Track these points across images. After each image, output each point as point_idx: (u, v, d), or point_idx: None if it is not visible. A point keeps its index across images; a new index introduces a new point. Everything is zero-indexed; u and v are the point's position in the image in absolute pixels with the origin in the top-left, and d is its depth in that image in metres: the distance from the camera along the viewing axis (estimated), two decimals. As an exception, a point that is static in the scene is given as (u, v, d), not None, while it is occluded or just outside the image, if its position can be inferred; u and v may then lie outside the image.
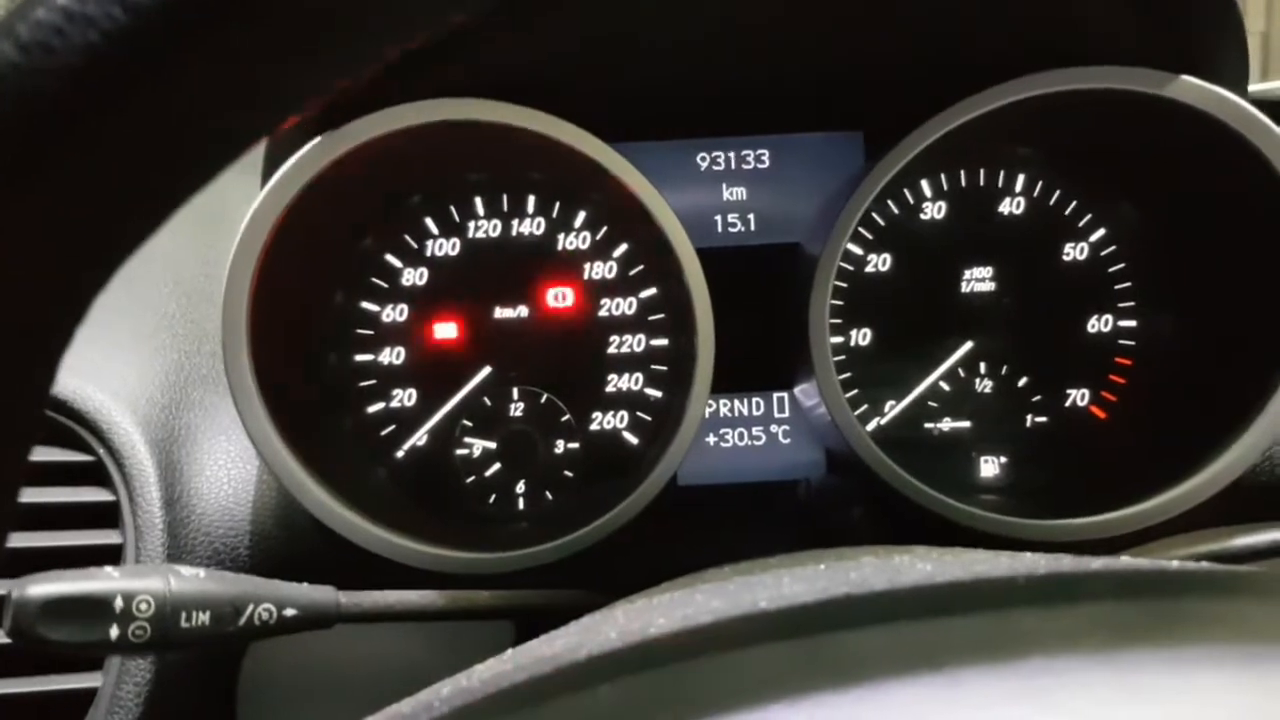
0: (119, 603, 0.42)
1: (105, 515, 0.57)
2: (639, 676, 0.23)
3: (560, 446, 0.70)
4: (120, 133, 0.20)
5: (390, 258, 0.68)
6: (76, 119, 0.19)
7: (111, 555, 0.56)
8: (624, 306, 0.70)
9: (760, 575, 0.32)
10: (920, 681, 0.20)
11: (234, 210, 0.73)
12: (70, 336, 0.23)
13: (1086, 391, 0.70)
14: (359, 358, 0.68)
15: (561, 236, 0.69)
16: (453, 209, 0.68)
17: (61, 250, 0.21)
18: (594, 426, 0.70)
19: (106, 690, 0.53)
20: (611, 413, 0.70)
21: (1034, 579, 0.28)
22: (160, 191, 0.22)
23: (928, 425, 0.71)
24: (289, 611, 0.46)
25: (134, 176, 0.21)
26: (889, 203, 0.70)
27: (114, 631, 0.42)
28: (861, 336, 0.70)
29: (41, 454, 0.57)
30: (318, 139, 0.54)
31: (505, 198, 0.69)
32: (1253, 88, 1.04)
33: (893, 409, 0.70)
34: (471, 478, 0.69)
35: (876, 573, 0.30)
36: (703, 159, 0.71)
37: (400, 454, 0.68)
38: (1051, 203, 0.69)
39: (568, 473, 0.70)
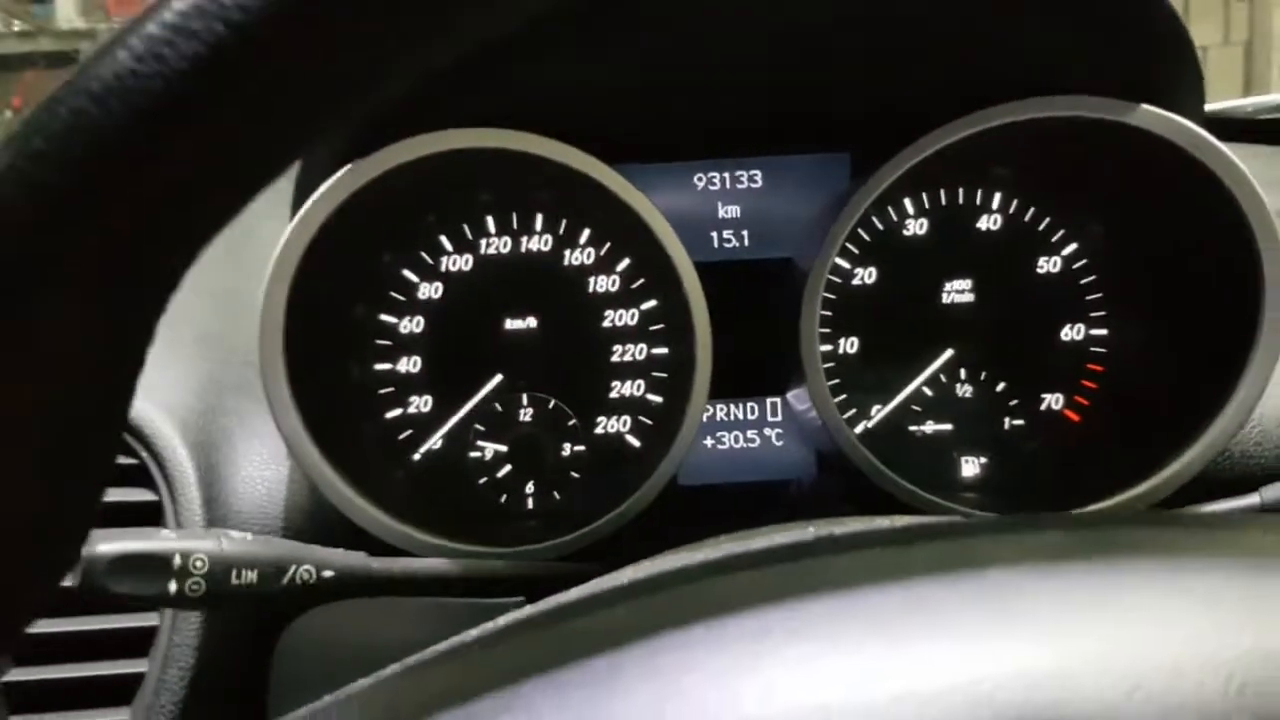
0: (177, 560, 0.47)
1: (149, 514, 0.61)
2: (640, 600, 0.28)
3: (567, 449, 0.74)
4: (229, 121, 0.24)
5: (408, 273, 0.72)
6: (185, 121, 0.23)
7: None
8: (626, 318, 0.74)
9: (755, 538, 0.36)
10: (887, 594, 0.25)
11: (259, 230, 0.78)
12: (157, 319, 0.27)
13: (1061, 396, 0.75)
14: (379, 367, 0.72)
15: (567, 252, 0.74)
16: (466, 227, 0.73)
17: (156, 235, 0.25)
18: (599, 430, 0.74)
19: (153, 674, 0.58)
20: (615, 417, 0.74)
21: (989, 519, 0.33)
22: (251, 173, 0.26)
23: (912, 428, 0.75)
24: (326, 573, 0.51)
25: (239, 160, 0.25)
26: (874, 219, 0.74)
27: (172, 586, 0.47)
28: (849, 345, 0.75)
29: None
30: (346, 168, 0.59)
31: (515, 217, 0.73)
32: (1219, 105, 1.09)
33: (879, 413, 0.75)
34: (484, 479, 0.73)
35: (858, 525, 0.35)
36: (699, 179, 0.75)
37: (417, 456, 0.73)
38: (1026, 219, 0.74)
39: (574, 474, 0.74)
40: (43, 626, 0.58)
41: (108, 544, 0.47)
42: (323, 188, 0.58)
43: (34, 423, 0.25)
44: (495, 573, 0.57)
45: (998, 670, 0.24)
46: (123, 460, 0.62)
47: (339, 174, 0.58)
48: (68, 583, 0.47)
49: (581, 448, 0.74)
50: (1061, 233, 0.74)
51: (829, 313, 0.74)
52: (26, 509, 0.26)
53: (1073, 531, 0.30)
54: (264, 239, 0.66)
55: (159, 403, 0.64)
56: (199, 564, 0.47)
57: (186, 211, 0.25)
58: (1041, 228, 0.74)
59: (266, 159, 0.25)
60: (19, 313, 0.23)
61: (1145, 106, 0.61)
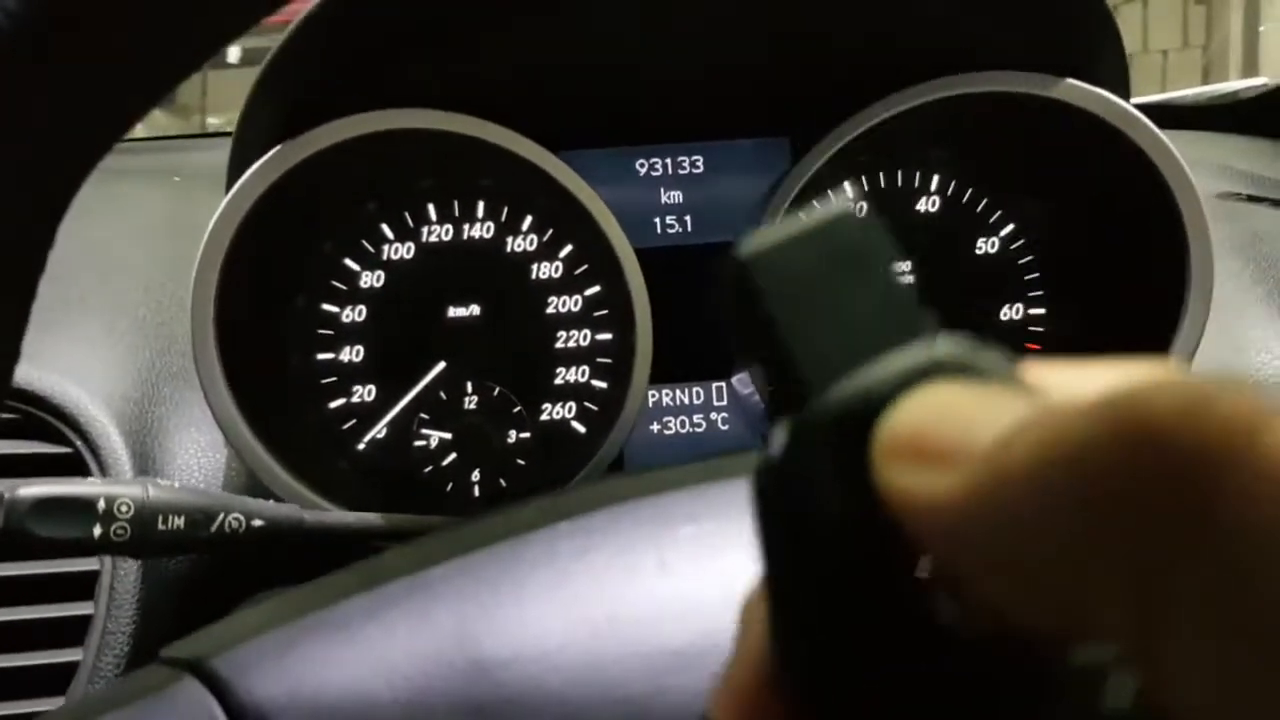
0: (102, 504, 0.46)
1: (83, 501, 0.61)
2: (543, 503, 0.29)
3: (512, 436, 0.74)
4: None
5: (349, 261, 0.72)
6: None
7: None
8: (570, 304, 0.74)
9: None
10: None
11: (198, 222, 0.77)
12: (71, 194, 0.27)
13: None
14: (321, 356, 0.72)
15: (510, 239, 0.74)
16: (407, 215, 0.73)
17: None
18: (544, 417, 0.74)
19: (87, 662, 0.57)
20: (560, 404, 0.74)
21: None
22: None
23: (854, 409, 0.76)
24: (256, 522, 0.50)
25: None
26: (814, 204, 0.75)
27: (97, 530, 0.46)
28: (792, 328, 0.75)
29: (20, 446, 0.61)
30: (277, 148, 0.59)
31: (456, 204, 0.73)
32: (1164, 96, 1.10)
33: (822, 395, 0.75)
34: (429, 467, 0.73)
35: None
36: (641, 165, 0.76)
37: (361, 446, 0.73)
38: (964, 200, 0.75)
39: (520, 460, 0.74)
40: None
41: (30, 488, 0.46)
42: (253, 167, 0.58)
43: None
44: (428, 527, 0.57)
45: None
46: (56, 449, 0.62)
47: (270, 154, 0.58)
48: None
49: (527, 434, 0.74)
50: (999, 213, 0.75)
51: (771, 296, 0.74)
52: None
53: None
54: (202, 231, 0.66)
55: (94, 390, 0.63)
56: (124, 508, 0.47)
57: (93, 92, 0.25)
58: (979, 209, 0.75)
59: (180, 39, 0.26)
60: None
61: (1069, 80, 0.62)
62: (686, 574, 0.26)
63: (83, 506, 0.47)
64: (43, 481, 0.47)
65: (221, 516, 0.50)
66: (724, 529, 0.27)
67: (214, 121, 1.36)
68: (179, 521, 0.49)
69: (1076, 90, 0.62)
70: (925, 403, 0.17)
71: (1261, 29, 3.02)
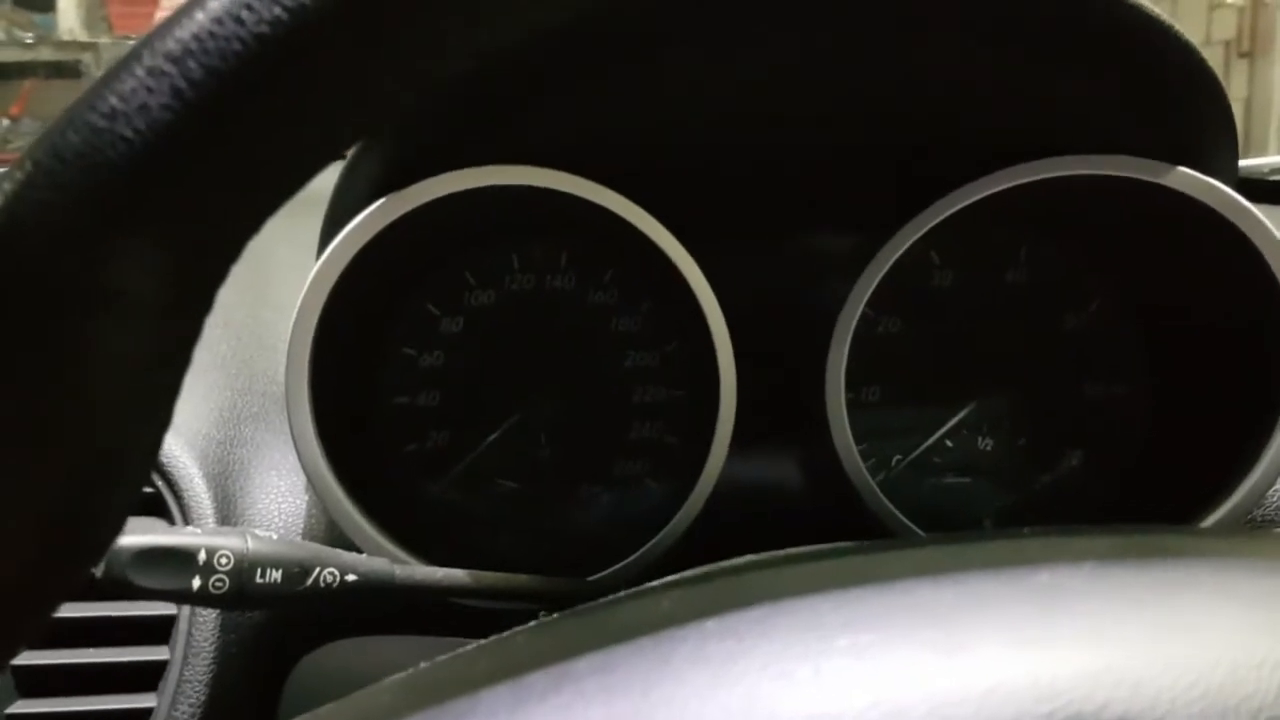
0: (202, 556, 0.46)
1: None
2: (687, 590, 0.28)
3: (585, 492, 0.73)
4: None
5: (430, 307, 0.72)
6: (257, 86, 0.23)
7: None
8: (648, 359, 0.74)
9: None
10: (939, 588, 0.26)
11: (274, 257, 0.77)
12: (219, 283, 0.26)
13: (1085, 453, 0.74)
14: (397, 400, 0.72)
15: (590, 291, 0.73)
16: (489, 263, 0.72)
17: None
18: (617, 473, 0.73)
19: (162, 709, 0.56)
20: (635, 460, 0.74)
21: (1038, 529, 0.34)
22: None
23: (932, 479, 0.75)
24: (350, 577, 0.50)
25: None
26: (900, 271, 0.74)
27: (196, 582, 0.46)
28: (871, 394, 0.75)
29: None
30: (381, 201, 0.58)
31: (539, 253, 0.73)
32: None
33: (899, 463, 0.74)
34: (500, 518, 0.72)
35: None
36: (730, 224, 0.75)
37: (433, 493, 0.72)
38: (1053, 274, 0.74)
39: (592, 515, 0.73)
40: (50, 659, 0.57)
41: (132, 537, 0.46)
42: (359, 218, 0.58)
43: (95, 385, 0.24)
44: (516, 586, 0.56)
45: (1053, 666, 0.24)
46: (138, 489, 0.61)
47: (377, 204, 0.58)
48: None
49: (599, 491, 0.73)
50: (1089, 288, 0.74)
51: (851, 361, 0.74)
52: (64, 503, 0.25)
53: (1121, 537, 0.31)
54: (279, 265, 0.65)
55: (177, 431, 0.63)
56: (224, 560, 0.46)
57: (258, 173, 0.24)
58: (1068, 282, 0.74)
59: (344, 123, 0.25)
60: (91, 273, 0.23)
61: (1182, 169, 0.61)
62: (842, 686, 0.25)
63: (184, 558, 0.46)
64: (142, 530, 0.47)
65: (317, 571, 0.49)
66: (881, 642, 0.26)
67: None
68: (276, 575, 0.48)
69: (1188, 179, 0.61)
70: None
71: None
